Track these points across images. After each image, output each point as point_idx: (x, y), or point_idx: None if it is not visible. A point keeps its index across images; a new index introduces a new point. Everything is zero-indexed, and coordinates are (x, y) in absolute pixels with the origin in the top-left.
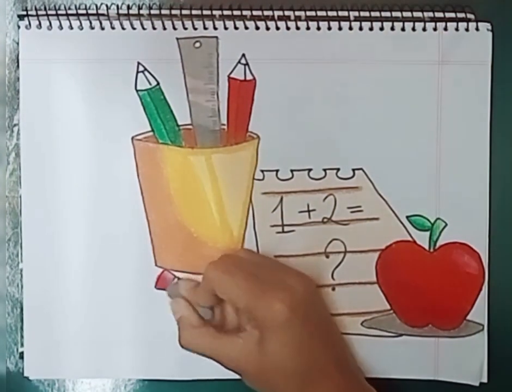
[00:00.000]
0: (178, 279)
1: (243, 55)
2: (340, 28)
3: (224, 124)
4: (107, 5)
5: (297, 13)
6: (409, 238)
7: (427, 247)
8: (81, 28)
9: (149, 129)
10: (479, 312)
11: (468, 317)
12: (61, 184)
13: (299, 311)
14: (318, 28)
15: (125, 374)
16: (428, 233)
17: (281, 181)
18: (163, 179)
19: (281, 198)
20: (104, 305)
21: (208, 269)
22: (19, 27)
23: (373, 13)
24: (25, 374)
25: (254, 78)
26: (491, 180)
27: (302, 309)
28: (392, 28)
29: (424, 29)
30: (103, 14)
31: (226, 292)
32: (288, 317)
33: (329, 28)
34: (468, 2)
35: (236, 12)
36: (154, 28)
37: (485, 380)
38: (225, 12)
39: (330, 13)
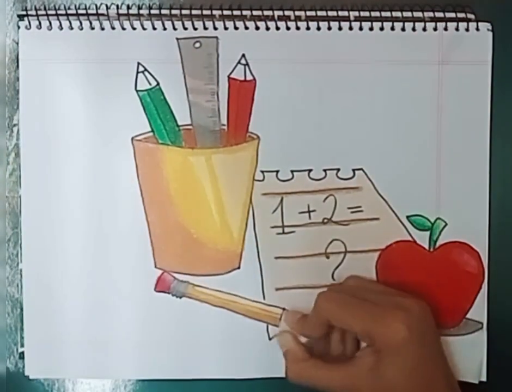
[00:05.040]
0: (179, 280)
1: (243, 55)
2: (340, 28)
3: (224, 125)
4: (106, 5)
5: (297, 13)
6: (409, 238)
7: (427, 247)
8: (81, 28)
9: (149, 129)
10: (479, 310)
11: (468, 316)
12: (61, 185)
13: (416, 332)
14: (318, 28)
15: (125, 374)
16: (428, 232)
17: (281, 182)
18: (163, 179)
19: (282, 199)
20: (104, 306)
21: (320, 300)
22: (19, 27)
23: (373, 13)
24: (26, 373)
25: (254, 78)
26: (491, 180)
27: (418, 330)
28: (392, 28)
29: (424, 29)
30: (103, 15)
31: (342, 321)
32: (406, 336)
33: (329, 28)
34: (468, 2)
35: (236, 12)
36: (154, 28)
37: (484, 378)
38: (225, 12)
39: (330, 13)
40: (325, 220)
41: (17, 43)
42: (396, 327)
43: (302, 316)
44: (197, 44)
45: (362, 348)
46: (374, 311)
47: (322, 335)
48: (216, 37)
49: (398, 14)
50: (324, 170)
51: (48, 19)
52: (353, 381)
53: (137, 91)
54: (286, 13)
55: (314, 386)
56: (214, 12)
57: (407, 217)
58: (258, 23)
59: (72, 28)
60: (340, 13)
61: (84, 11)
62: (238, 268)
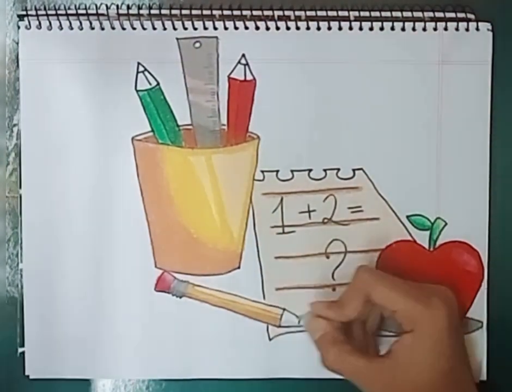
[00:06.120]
0: (179, 280)
1: (243, 55)
2: (340, 28)
3: (224, 125)
4: (106, 5)
5: (297, 13)
6: (410, 238)
7: (427, 247)
8: (81, 28)
9: (149, 129)
10: (478, 309)
11: (468, 315)
12: (61, 185)
13: (453, 323)
14: (318, 28)
15: (125, 374)
16: (428, 232)
17: (281, 182)
18: (163, 179)
19: (282, 199)
20: (104, 306)
21: (360, 272)
22: (19, 27)
23: (373, 13)
24: (26, 373)
25: (254, 78)
26: (491, 180)
27: (454, 322)
28: (392, 28)
29: (424, 29)
30: (103, 15)
31: (383, 295)
32: (446, 326)
33: (329, 28)
34: (468, 2)
35: (236, 12)
36: (154, 28)
37: (484, 377)
38: (225, 12)
39: (330, 13)
40: (326, 220)
41: (17, 43)
42: (440, 313)
43: (331, 301)
44: (197, 44)
45: (396, 341)
46: (417, 292)
47: (358, 314)
48: (216, 37)
49: (398, 14)
50: (324, 170)
51: (48, 19)
52: (392, 375)
53: (137, 91)
54: (286, 13)
55: (348, 375)
56: (214, 12)
57: (407, 217)
58: (258, 23)
59: (72, 28)
60: (340, 13)
61: (84, 11)
62: (238, 268)
